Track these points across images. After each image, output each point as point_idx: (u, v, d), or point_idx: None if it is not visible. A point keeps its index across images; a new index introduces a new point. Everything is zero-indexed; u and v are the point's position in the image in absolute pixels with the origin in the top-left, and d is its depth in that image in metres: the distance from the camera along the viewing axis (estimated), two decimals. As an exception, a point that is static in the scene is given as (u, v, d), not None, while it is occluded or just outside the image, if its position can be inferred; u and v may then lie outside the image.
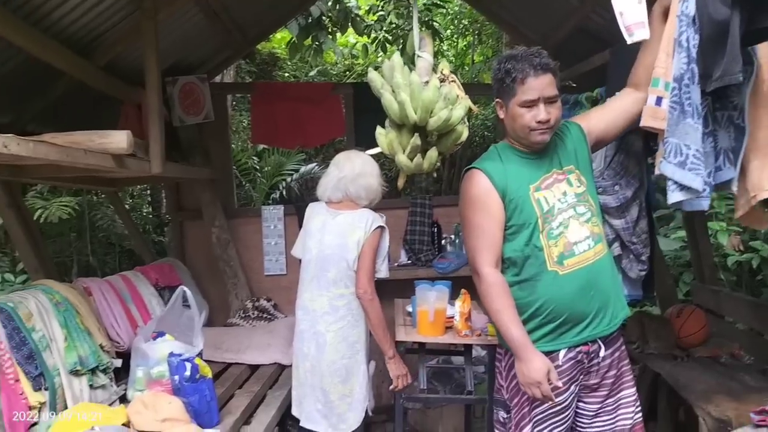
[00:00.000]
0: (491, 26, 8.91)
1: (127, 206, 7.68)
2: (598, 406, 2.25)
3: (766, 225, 2.35)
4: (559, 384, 2.06)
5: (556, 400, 2.08)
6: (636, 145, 2.94)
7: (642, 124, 2.23)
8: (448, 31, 10.14)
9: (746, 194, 2.19)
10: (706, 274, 4.31)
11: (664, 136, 2.10)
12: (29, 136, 2.36)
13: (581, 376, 2.19)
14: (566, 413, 2.19)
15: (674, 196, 2.10)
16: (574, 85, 4.59)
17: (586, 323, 2.12)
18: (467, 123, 2.54)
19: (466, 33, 9.94)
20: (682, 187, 2.08)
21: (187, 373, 2.76)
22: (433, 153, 2.33)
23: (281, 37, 9.26)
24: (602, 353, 2.18)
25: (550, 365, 2.04)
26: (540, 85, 2.03)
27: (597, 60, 3.71)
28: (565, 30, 4.27)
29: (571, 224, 2.10)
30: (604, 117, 2.31)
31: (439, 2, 8.48)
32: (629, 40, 2.12)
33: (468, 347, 3.35)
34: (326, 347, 2.90)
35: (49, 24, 3.03)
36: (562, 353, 2.14)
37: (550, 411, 2.16)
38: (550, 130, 2.10)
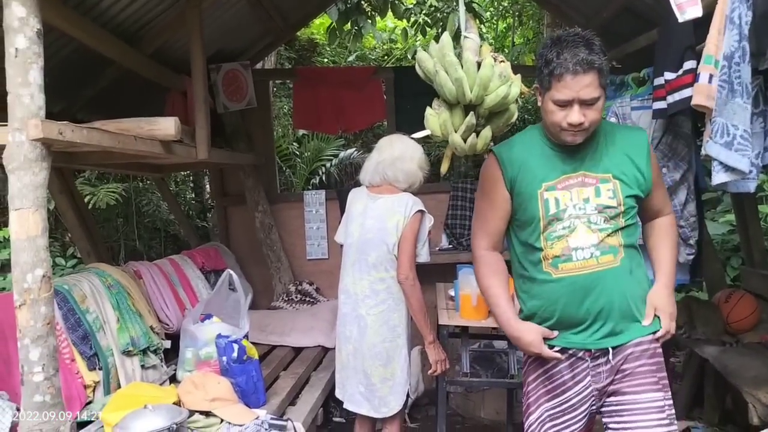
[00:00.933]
0: (532, 7, 8.75)
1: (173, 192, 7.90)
2: (618, 408, 2.02)
3: None
4: (554, 334, 2.00)
5: (563, 396, 2.01)
6: (685, 127, 2.88)
7: (693, 102, 2.18)
8: (488, 13, 10.00)
9: None
10: (756, 259, 4.19)
11: (712, 116, 2.05)
12: (80, 124, 2.44)
13: (589, 378, 2.01)
14: (574, 415, 2.03)
15: (719, 177, 2.06)
16: (619, 66, 4.50)
17: (579, 330, 1.98)
18: (519, 103, 2.51)
19: (506, 15, 9.79)
20: (728, 168, 2.04)
21: (235, 354, 2.82)
22: (487, 132, 2.29)
23: (320, 22, 9.26)
24: (610, 361, 1.98)
25: (540, 328, 2.00)
26: (578, 85, 1.81)
27: (643, 40, 3.62)
28: (611, 10, 4.17)
29: (579, 229, 1.93)
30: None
31: (479, -17, 8.37)
32: (681, 18, 2.07)
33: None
34: (367, 330, 2.93)
35: (99, 13, 3.10)
36: (557, 350, 2.02)
37: (558, 409, 2.04)
38: (584, 132, 1.90)
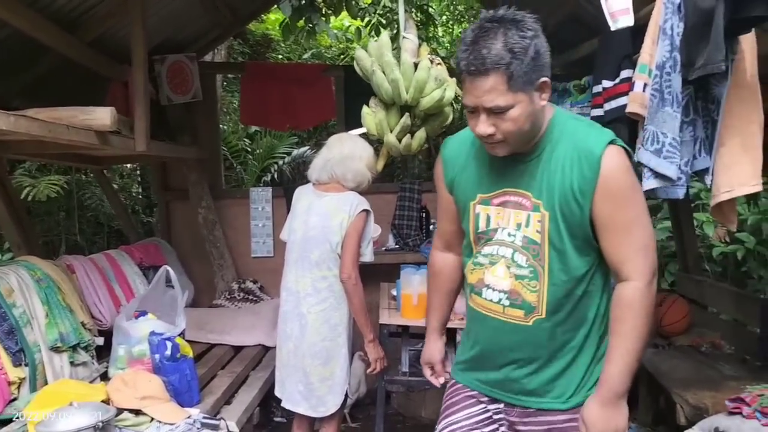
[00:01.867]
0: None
1: (116, 186, 7.67)
2: None
3: (733, 223, 2.24)
4: (441, 374, 1.95)
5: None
6: (622, 134, 2.94)
7: (628, 110, 2.23)
8: (444, 17, 10.09)
9: (715, 190, 2.15)
10: (690, 264, 4.34)
11: (644, 123, 2.10)
12: (13, 111, 2.35)
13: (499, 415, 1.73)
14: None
15: (649, 183, 2.11)
16: (563, 73, 4.59)
17: (494, 377, 1.71)
18: (454, 106, 2.53)
19: (462, 19, 9.89)
20: (657, 175, 2.09)
21: (168, 352, 2.76)
22: (421, 133, 2.31)
23: (275, 18, 9.18)
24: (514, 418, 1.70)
25: (439, 359, 1.97)
26: (477, 90, 1.45)
27: (586, 48, 3.70)
28: (557, 17, 4.26)
29: (498, 266, 1.62)
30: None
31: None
32: (613, 26, 2.12)
33: (451, 331, 3.36)
34: (308, 328, 2.90)
35: (34, -3, 2.99)
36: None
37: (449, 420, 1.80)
38: (503, 144, 1.52)
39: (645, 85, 2.17)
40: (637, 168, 2.11)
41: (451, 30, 10.32)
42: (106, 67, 3.81)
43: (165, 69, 4.51)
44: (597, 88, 2.82)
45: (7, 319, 2.61)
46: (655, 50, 2.11)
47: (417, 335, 3.94)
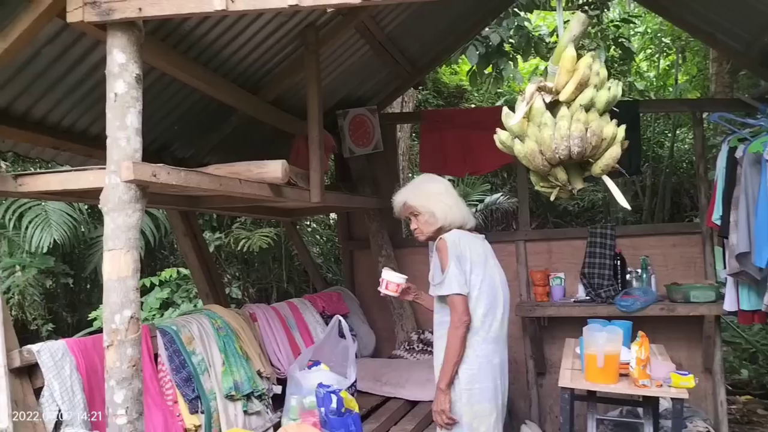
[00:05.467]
0: (697, 42, 8.09)
1: (319, 236, 8.13)
2: None
3: None
4: None
5: None
6: None
7: None
8: (648, 51, 9.42)
9: None
10: None
11: None
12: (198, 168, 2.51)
13: None
14: None
15: None
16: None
17: None
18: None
19: (669, 52, 9.15)
20: None
21: (333, 405, 2.70)
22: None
23: (467, 68, 9.22)
24: None
25: None
26: None
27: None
28: (773, 32, 3.68)
29: None
30: None
31: (629, 17, 7.89)
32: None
33: (649, 399, 2.93)
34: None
35: (220, 63, 3.22)
36: None
37: None
38: None
39: None
40: None
41: (656, 64, 9.60)
42: (289, 123, 4.00)
43: (347, 122, 4.65)
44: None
45: (186, 367, 2.72)
46: None
47: (605, 400, 3.52)
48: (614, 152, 2.01)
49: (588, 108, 2.04)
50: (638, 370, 2.75)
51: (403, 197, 2.85)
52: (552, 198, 2.24)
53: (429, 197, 2.78)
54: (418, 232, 2.84)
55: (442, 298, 2.68)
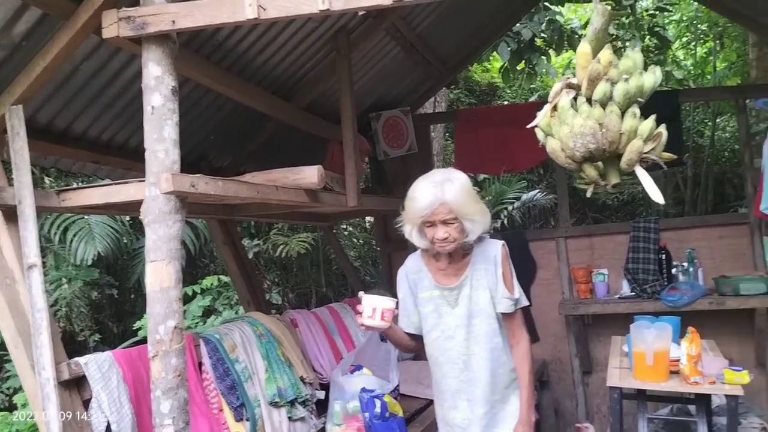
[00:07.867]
0: (735, 28, 7.86)
1: (355, 239, 8.14)
2: None
3: None
4: None
5: None
6: None
7: None
8: (684, 39, 9.19)
9: None
10: None
11: None
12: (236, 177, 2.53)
13: None
14: None
15: None
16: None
17: None
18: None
19: (706, 39, 8.91)
20: None
21: (377, 410, 2.69)
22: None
23: (499, 65, 9.13)
24: None
25: None
26: None
27: None
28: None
29: None
30: None
31: (664, 5, 7.70)
32: None
33: (702, 396, 2.84)
34: None
35: (253, 71, 3.24)
36: None
37: None
38: None
39: None
40: None
41: (693, 51, 9.36)
42: (323, 128, 4.00)
43: (380, 125, 4.64)
44: None
45: (230, 375, 2.73)
46: None
47: (655, 398, 3.44)
48: (636, 145, 1.94)
49: (604, 103, 1.98)
50: (689, 367, 2.67)
51: (441, 196, 2.20)
52: (588, 194, 2.19)
53: (478, 201, 2.28)
54: (448, 241, 2.23)
55: (495, 316, 2.29)
